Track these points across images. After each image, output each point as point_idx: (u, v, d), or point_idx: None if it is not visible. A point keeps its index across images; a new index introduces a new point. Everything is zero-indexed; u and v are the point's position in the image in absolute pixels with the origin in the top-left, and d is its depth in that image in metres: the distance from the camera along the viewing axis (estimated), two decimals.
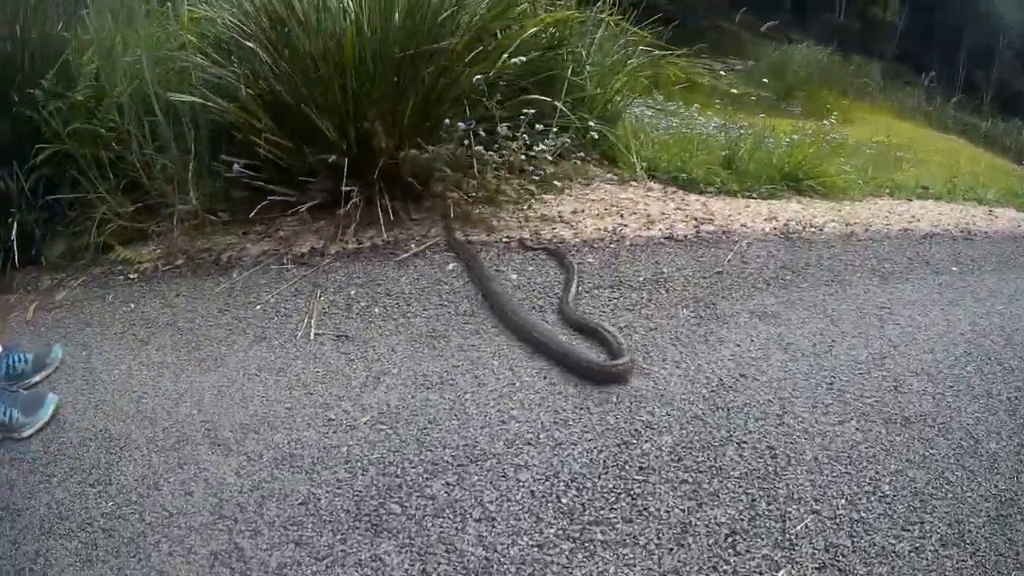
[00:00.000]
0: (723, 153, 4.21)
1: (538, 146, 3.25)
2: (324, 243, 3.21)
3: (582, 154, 3.81)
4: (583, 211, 3.50)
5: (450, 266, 3.02)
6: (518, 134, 3.21)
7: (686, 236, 3.43)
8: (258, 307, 2.82)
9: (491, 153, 3.14)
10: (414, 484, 1.84)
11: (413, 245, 3.13)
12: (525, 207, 3.39)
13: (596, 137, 3.72)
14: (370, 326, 2.62)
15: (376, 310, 2.74)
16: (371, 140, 3.18)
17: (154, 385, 2.36)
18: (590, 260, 3.08)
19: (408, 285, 2.85)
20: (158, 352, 2.61)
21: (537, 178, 3.44)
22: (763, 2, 15.55)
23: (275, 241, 3.32)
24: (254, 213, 3.10)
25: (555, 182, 3.70)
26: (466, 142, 3.10)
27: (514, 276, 2.93)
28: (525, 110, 3.29)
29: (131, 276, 3.17)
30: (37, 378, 2.55)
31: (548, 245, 3.11)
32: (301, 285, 2.90)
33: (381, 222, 3.15)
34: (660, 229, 3.45)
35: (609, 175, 4.10)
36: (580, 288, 2.83)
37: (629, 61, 4.44)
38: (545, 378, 2.31)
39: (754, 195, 3.93)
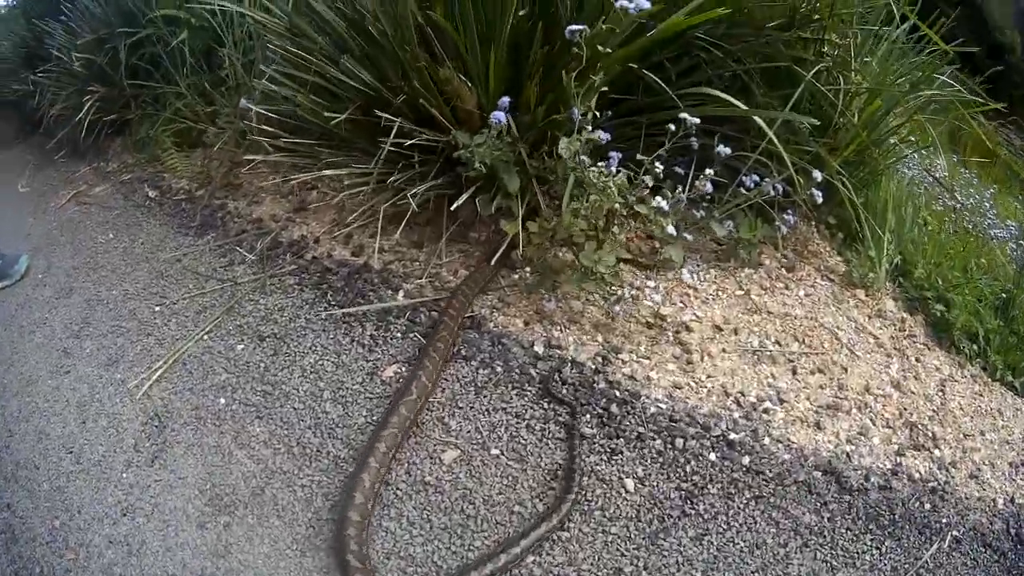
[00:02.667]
0: (1003, 291, 2.22)
1: (662, 199, 1.57)
2: (322, 233, 2.14)
3: (790, 214, 1.91)
4: (732, 331, 1.72)
5: (389, 371, 1.61)
6: (649, 160, 1.60)
7: (867, 476, 1.49)
8: (157, 309, 1.99)
9: (600, 176, 1.56)
10: None
11: (401, 294, 1.82)
12: (633, 291, 1.79)
13: (820, 195, 1.78)
14: (186, 428, 1.58)
15: (222, 401, 1.61)
16: (448, 97, 1.82)
17: (24, 357, 1.98)
18: (634, 481, 1.37)
19: (303, 378, 1.62)
20: (63, 314, 2.12)
21: (683, 237, 1.71)
22: None
23: (292, 204, 2.34)
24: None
25: (715, 252, 1.95)
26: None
27: (451, 456, 1.41)
28: (685, 115, 1.61)
29: (151, 194, 2.71)
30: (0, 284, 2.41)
31: (576, 404, 1.50)
32: (219, 298, 1.95)
33: (398, 230, 1.90)
34: (837, 435, 1.56)
35: (832, 260, 2.09)
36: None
37: (923, 91, 2.15)
38: None
39: (1016, 384, 2.03)
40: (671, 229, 1.55)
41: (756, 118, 1.73)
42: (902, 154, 2.34)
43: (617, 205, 1.61)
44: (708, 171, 1.67)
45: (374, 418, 1.50)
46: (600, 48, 1.58)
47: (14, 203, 3.07)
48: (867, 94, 2.01)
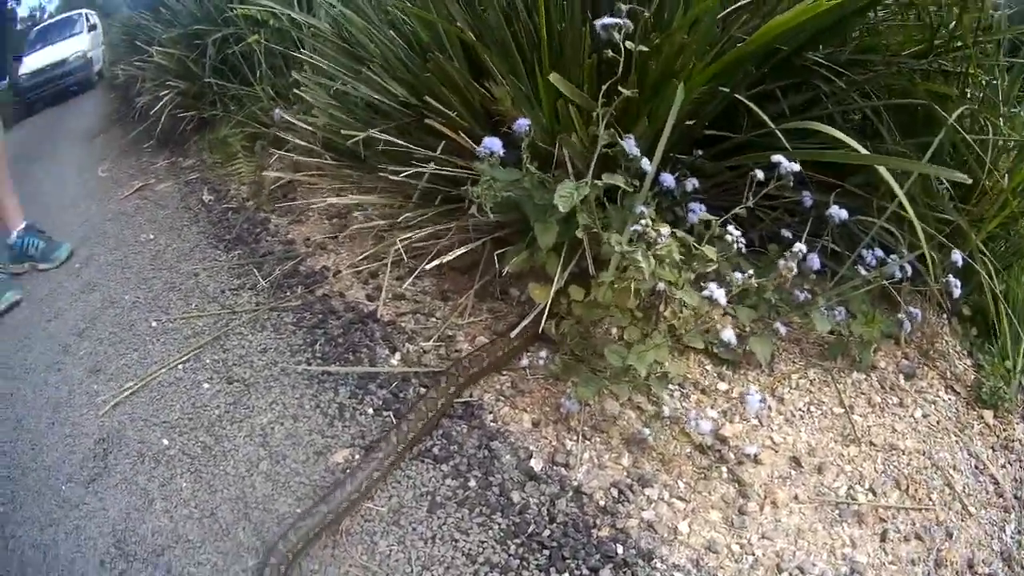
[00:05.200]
0: None
1: (718, 285, 1.29)
2: (346, 267, 2.05)
3: (917, 308, 1.60)
4: (815, 469, 1.38)
5: (339, 456, 1.43)
6: (718, 221, 1.43)
7: None
8: (154, 324, 2.01)
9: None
10: None
11: (397, 357, 1.66)
12: (697, 394, 1.52)
13: (958, 286, 1.48)
14: (125, 461, 1.58)
15: (165, 442, 1.59)
16: (503, 120, 1.66)
17: (33, 344, 2.22)
18: None
19: (249, 439, 1.53)
20: (78, 310, 2.29)
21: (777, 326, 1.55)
22: None
23: (333, 228, 2.31)
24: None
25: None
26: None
27: None
28: (780, 158, 1.37)
29: (206, 198, 2.83)
30: (42, 266, 2.73)
31: (558, 553, 1.21)
32: (212, 325, 1.94)
33: (425, 274, 1.82)
34: None
35: (961, 365, 1.69)
36: None
37: None
38: None
39: None
40: (728, 335, 1.26)
41: (882, 169, 1.39)
42: None
43: (661, 285, 1.35)
44: (799, 246, 1.36)
45: (299, 510, 1.35)
46: (648, 58, 1.34)
47: (89, 188, 3.42)
48: (1018, 151, 1.63)
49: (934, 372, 1.63)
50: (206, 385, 1.72)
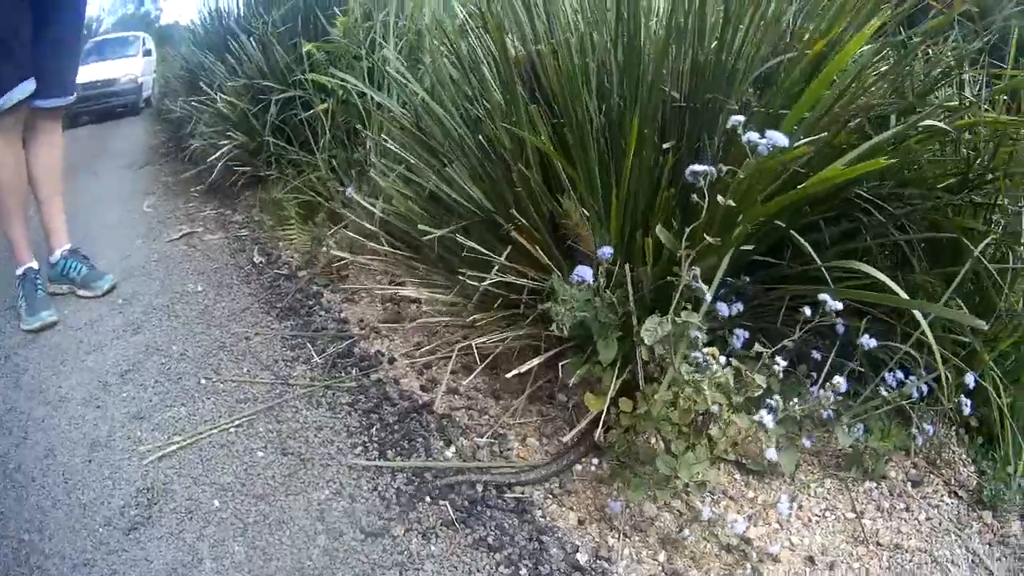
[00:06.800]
0: None
1: (767, 412, 1.55)
2: (400, 355, 2.24)
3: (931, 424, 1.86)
4: (827, 567, 1.60)
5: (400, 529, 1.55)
6: (768, 353, 1.63)
7: None
8: (203, 383, 2.14)
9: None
10: None
11: (452, 450, 1.82)
12: (726, 500, 1.62)
13: (969, 406, 1.73)
14: (172, 515, 1.64)
15: (216, 504, 1.69)
16: (566, 234, 1.84)
17: (70, 373, 2.33)
18: None
19: (305, 513, 1.66)
20: (120, 349, 2.39)
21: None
22: None
23: (386, 313, 2.46)
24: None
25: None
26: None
27: None
28: (826, 296, 1.60)
29: (256, 259, 2.99)
30: (81, 293, 2.87)
31: None
32: (265, 393, 2.09)
33: (479, 372, 1.94)
34: None
35: (966, 472, 1.94)
36: None
37: None
38: None
39: None
40: (772, 453, 1.48)
41: (917, 313, 1.62)
42: None
43: (715, 408, 1.54)
44: (837, 379, 1.61)
45: None
46: (721, 201, 1.55)
47: (133, 222, 3.63)
48: None
49: (940, 480, 1.85)
50: (260, 453, 1.84)
